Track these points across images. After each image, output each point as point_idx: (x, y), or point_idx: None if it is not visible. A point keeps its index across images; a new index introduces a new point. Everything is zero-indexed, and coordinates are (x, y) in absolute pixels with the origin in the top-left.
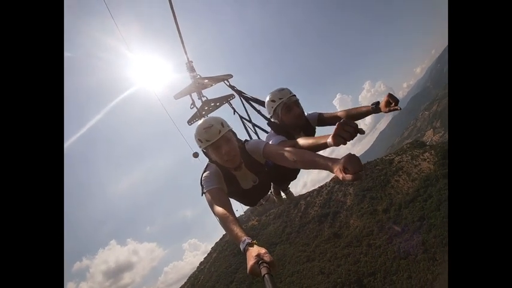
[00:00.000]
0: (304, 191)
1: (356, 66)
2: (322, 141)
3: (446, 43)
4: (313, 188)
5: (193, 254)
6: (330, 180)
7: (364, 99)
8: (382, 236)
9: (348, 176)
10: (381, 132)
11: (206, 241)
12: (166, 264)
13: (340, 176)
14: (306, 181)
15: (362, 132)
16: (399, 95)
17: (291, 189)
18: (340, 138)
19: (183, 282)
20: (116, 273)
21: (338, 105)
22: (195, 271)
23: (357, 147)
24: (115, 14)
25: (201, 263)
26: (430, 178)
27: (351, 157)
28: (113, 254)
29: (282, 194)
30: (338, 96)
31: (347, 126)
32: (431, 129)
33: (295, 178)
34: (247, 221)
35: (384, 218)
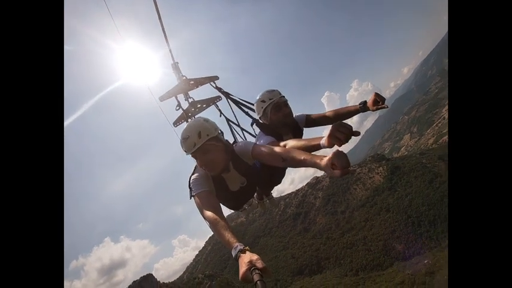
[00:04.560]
0: (291, 187)
1: (345, 64)
2: (315, 142)
3: (433, 45)
4: (291, 191)
5: (183, 250)
6: (305, 185)
7: (352, 98)
8: (337, 231)
9: (336, 172)
10: (366, 131)
11: (196, 237)
12: (157, 261)
13: (329, 172)
14: (294, 177)
15: (357, 134)
16: (386, 94)
17: (273, 194)
18: (336, 139)
19: (174, 279)
20: (109, 270)
21: (326, 103)
22: (192, 262)
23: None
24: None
25: (196, 256)
26: (378, 189)
27: (338, 154)
28: (107, 252)
29: (265, 199)
30: (326, 94)
31: (342, 128)
32: (409, 134)
33: (280, 182)
34: (237, 218)
35: (341, 217)
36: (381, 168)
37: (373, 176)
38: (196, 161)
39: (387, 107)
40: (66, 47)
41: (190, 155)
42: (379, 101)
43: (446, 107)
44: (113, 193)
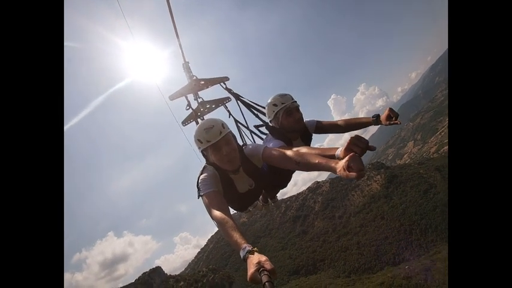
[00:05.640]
0: (295, 189)
1: (352, 68)
2: (329, 153)
3: (442, 51)
4: (292, 194)
5: (185, 248)
6: (306, 189)
7: (358, 102)
8: (334, 235)
9: (352, 174)
10: (371, 135)
11: (198, 235)
12: (158, 257)
13: (345, 174)
14: (297, 179)
15: (373, 148)
16: (393, 98)
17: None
18: (352, 152)
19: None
20: (111, 264)
21: (332, 105)
22: (194, 259)
23: None
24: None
25: (198, 253)
26: (375, 196)
27: (354, 157)
28: (109, 246)
29: (269, 201)
30: (333, 96)
31: (359, 141)
32: (413, 141)
33: (286, 186)
34: (239, 218)
35: (338, 222)
36: (379, 176)
37: (371, 184)
38: (214, 154)
39: (400, 123)
40: (76, 45)
41: (202, 151)
42: (392, 116)
43: None
44: (118, 188)
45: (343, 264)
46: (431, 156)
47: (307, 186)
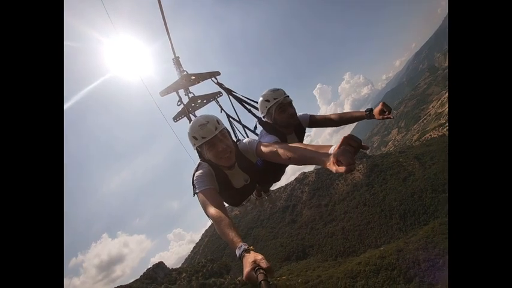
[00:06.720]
0: (283, 180)
1: (337, 57)
2: (323, 150)
3: (426, 38)
4: (281, 185)
5: (179, 244)
6: (293, 180)
7: (343, 90)
8: (321, 222)
9: (341, 168)
10: (357, 124)
11: (191, 230)
12: (153, 255)
13: (334, 168)
14: (286, 169)
15: (366, 148)
16: (378, 86)
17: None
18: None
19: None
20: (108, 266)
21: (318, 95)
22: (190, 254)
23: (334, 137)
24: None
25: (194, 247)
26: (357, 185)
27: (344, 150)
28: (104, 248)
29: (263, 195)
30: (318, 86)
31: (352, 141)
32: (397, 129)
33: (279, 180)
34: (231, 211)
35: (324, 210)
36: (361, 165)
37: (354, 173)
38: (210, 150)
39: (393, 118)
40: (69, 43)
41: (196, 148)
42: (385, 110)
43: (433, 103)
44: (109, 189)
45: (330, 249)
46: (414, 144)
47: (295, 177)
